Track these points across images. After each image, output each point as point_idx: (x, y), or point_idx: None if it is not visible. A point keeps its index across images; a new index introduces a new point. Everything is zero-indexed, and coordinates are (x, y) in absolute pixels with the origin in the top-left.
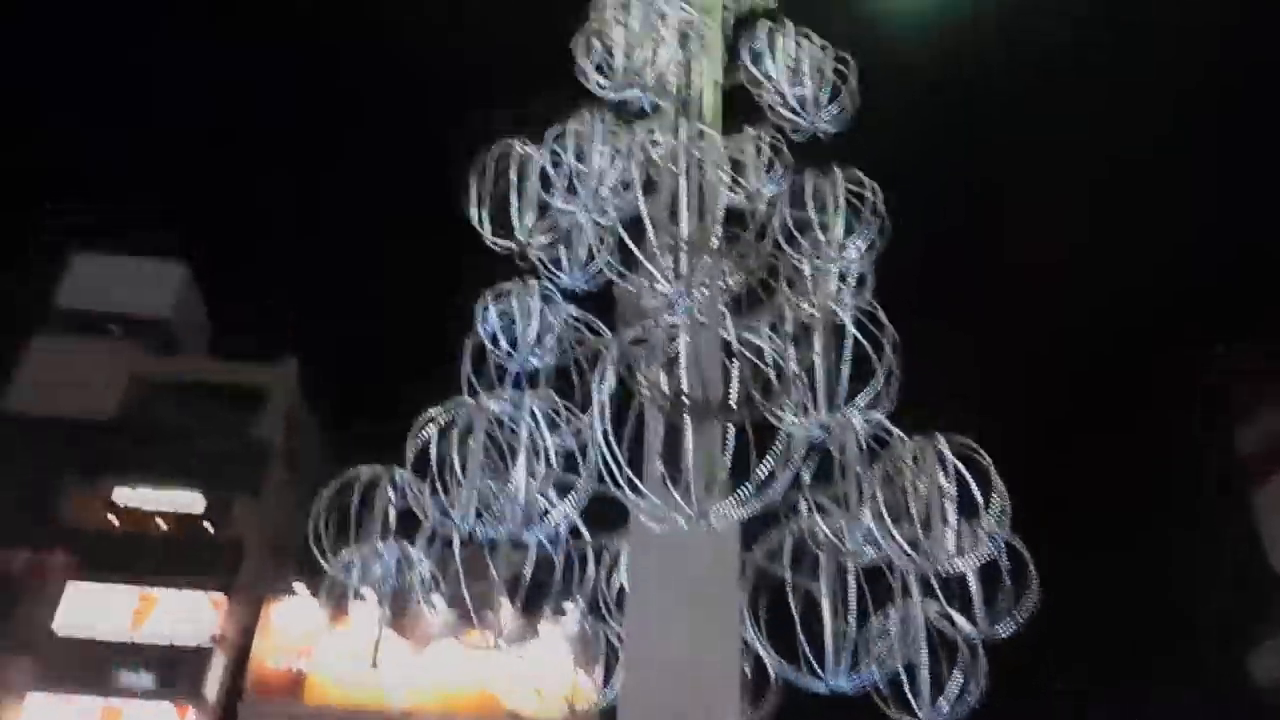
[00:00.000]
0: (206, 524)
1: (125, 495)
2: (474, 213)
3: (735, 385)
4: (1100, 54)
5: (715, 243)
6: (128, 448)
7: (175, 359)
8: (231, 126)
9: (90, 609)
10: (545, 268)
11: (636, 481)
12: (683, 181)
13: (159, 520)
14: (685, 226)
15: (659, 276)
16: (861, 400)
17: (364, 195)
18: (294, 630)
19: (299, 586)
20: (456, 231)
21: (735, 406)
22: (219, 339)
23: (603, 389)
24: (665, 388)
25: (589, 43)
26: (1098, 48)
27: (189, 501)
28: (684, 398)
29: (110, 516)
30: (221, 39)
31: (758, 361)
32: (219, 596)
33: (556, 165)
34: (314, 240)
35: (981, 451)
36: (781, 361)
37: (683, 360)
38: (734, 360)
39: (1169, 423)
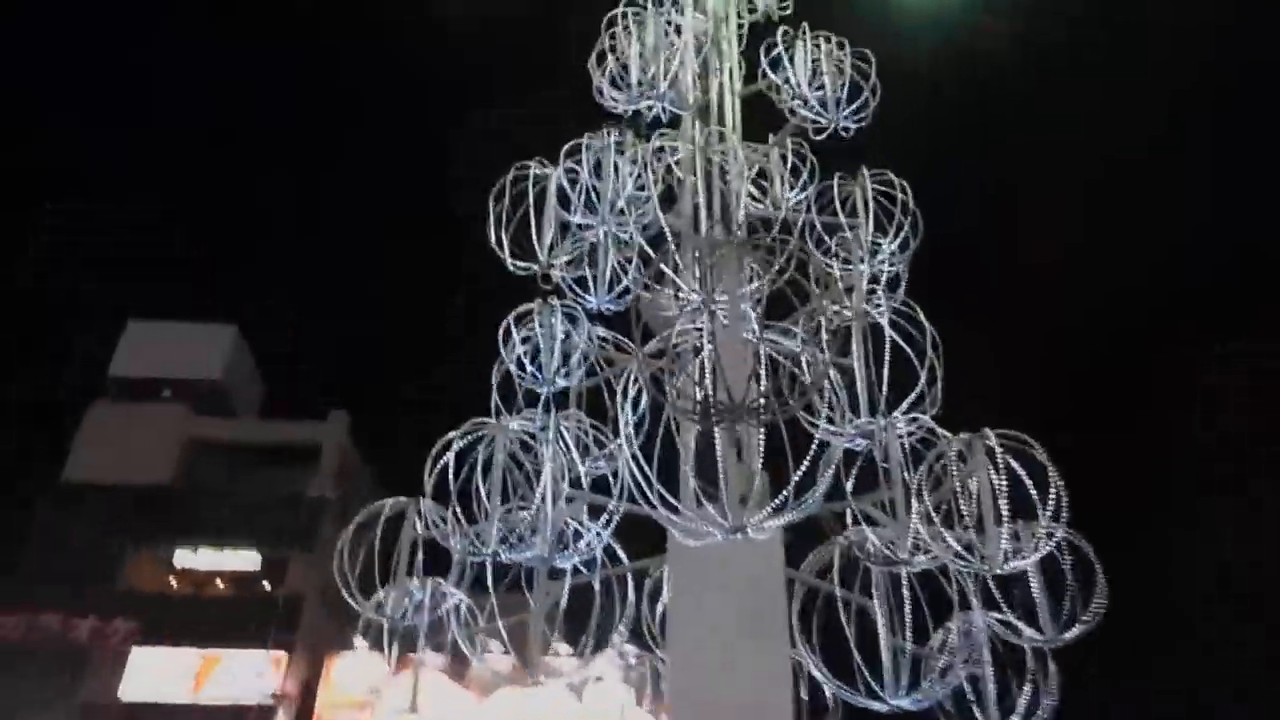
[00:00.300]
0: (264, 583)
1: (184, 558)
2: (494, 238)
3: (762, 384)
4: (1098, 53)
5: (738, 241)
6: (185, 511)
7: (229, 421)
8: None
9: (154, 674)
10: (571, 291)
11: (668, 496)
12: (701, 184)
13: (218, 581)
14: (705, 227)
15: (681, 283)
16: (905, 404)
17: (407, 250)
18: (355, 684)
19: (359, 640)
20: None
21: (763, 406)
22: (272, 396)
23: (627, 402)
24: (691, 394)
25: (601, 55)
26: (1096, 47)
27: (246, 561)
28: (710, 400)
29: (170, 580)
30: (223, 40)
31: (790, 365)
32: (279, 654)
33: (574, 183)
34: (361, 290)
35: (1035, 444)
36: (815, 365)
37: (707, 363)
38: (760, 360)
39: (1170, 421)
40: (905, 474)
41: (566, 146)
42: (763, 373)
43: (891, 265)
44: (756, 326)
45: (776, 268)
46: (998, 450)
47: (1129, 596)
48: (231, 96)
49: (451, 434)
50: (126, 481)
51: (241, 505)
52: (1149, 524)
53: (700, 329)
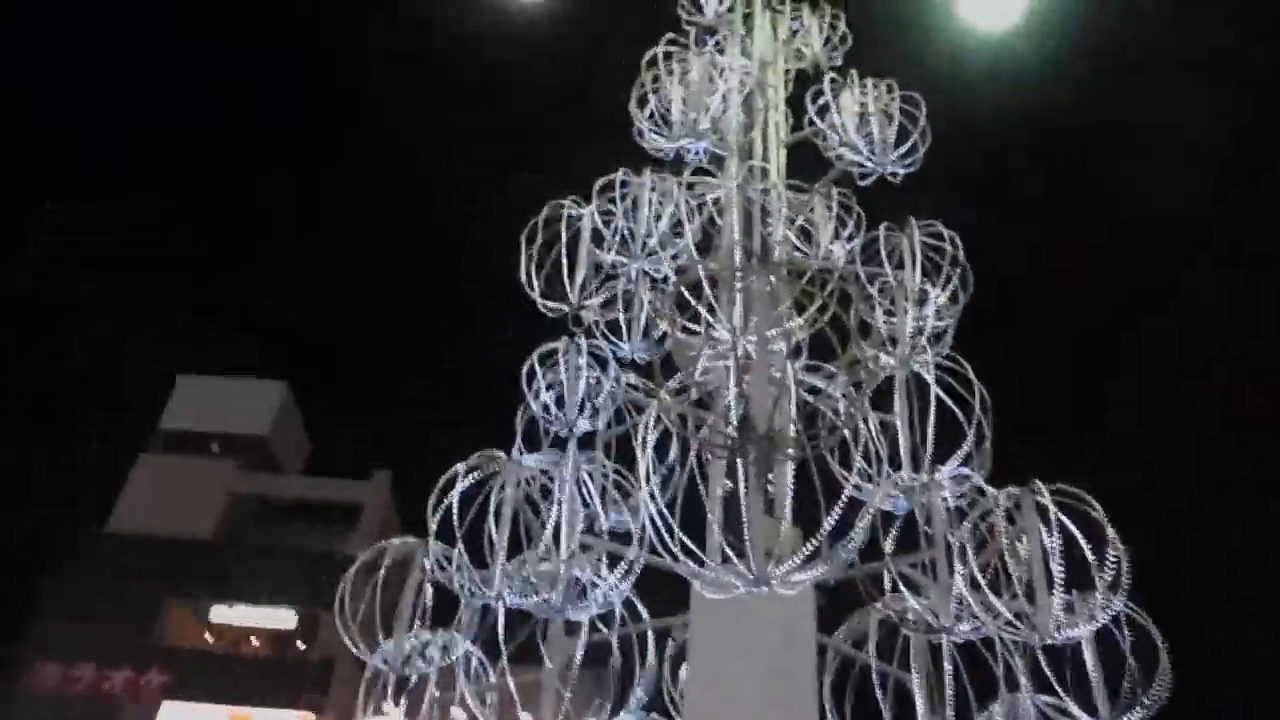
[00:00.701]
0: (298, 641)
1: (221, 613)
2: (525, 277)
3: (790, 413)
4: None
5: (772, 269)
6: (224, 566)
7: (272, 477)
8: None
9: None
10: (605, 337)
11: (689, 544)
12: (740, 225)
13: (252, 638)
14: (742, 263)
15: (713, 321)
16: (951, 463)
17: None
18: None
19: (388, 706)
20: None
21: (791, 438)
22: (318, 453)
23: (649, 443)
24: (718, 427)
25: (643, 96)
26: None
27: (281, 619)
28: (733, 432)
29: (206, 635)
30: (223, 39)
31: (824, 408)
32: (310, 715)
33: (608, 222)
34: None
35: (1092, 501)
36: (850, 406)
37: (733, 394)
38: (788, 391)
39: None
40: (948, 534)
41: (599, 183)
42: (792, 405)
43: (939, 319)
44: (789, 363)
45: (816, 305)
46: (1051, 507)
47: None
48: (231, 96)
49: (458, 466)
50: (169, 534)
51: (279, 562)
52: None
53: (729, 366)
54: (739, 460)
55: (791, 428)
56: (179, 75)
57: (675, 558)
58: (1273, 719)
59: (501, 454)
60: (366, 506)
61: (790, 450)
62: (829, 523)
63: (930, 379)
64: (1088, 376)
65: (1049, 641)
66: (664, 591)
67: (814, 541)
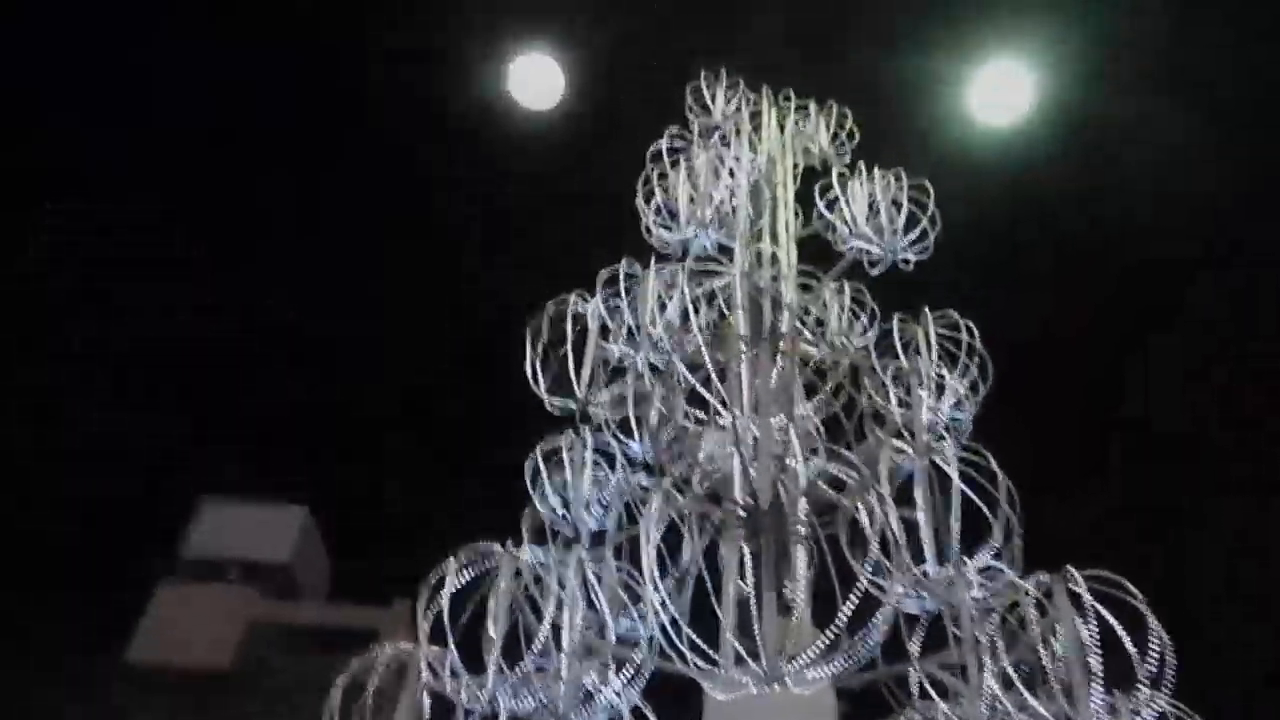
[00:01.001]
0: None
1: None
2: (531, 375)
3: (800, 488)
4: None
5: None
6: (242, 698)
7: (292, 605)
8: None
9: None
10: (616, 436)
11: (700, 643)
12: (749, 316)
13: None
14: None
15: (721, 409)
16: (980, 557)
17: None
18: None
19: None
20: None
21: (803, 515)
22: (339, 579)
23: (653, 534)
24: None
25: (649, 190)
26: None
27: None
28: (732, 508)
29: None
30: (223, 39)
31: (836, 495)
32: None
33: (614, 314)
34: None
35: (1131, 587)
36: (866, 496)
37: (737, 473)
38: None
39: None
40: (976, 631)
41: (603, 275)
42: (801, 479)
43: (959, 410)
44: (793, 435)
45: (830, 387)
46: (1085, 596)
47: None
48: (231, 96)
49: (448, 561)
50: (188, 665)
51: (298, 690)
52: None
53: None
54: (751, 543)
55: (802, 503)
56: (179, 75)
57: (684, 659)
58: (1273, 719)
59: (497, 546)
60: (384, 633)
61: (801, 528)
62: (845, 611)
63: (953, 472)
64: (1095, 430)
65: None
66: (674, 695)
67: (830, 634)
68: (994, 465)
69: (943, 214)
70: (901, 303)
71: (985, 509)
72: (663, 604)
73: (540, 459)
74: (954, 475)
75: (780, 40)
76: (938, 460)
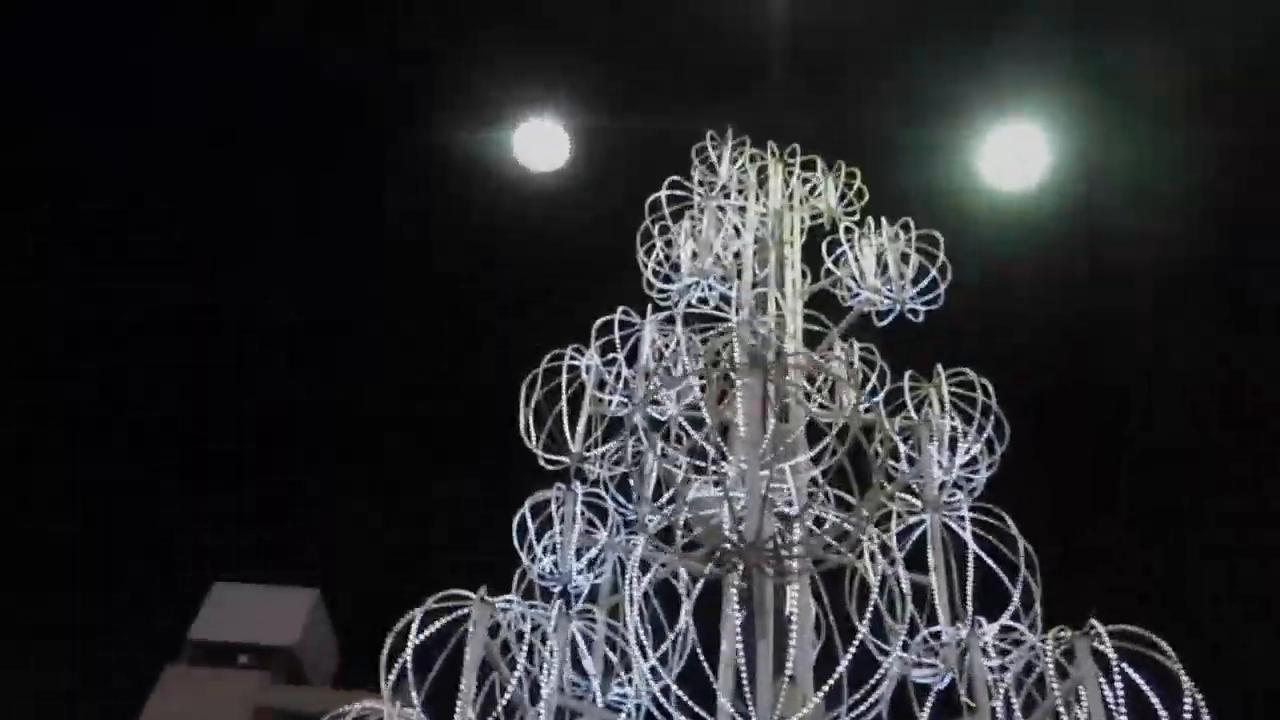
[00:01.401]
0: None
1: None
2: (524, 430)
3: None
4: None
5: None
6: None
7: (298, 690)
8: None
9: None
10: (614, 500)
11: (688, 701)
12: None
13: None
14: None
15: (720, 461)
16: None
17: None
18: None
19: None
20: None
21: (797, 551)
22: (347, 662)
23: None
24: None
25: (650, 245)
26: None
27: None
28: (717, 544)
29: None
30: (223, 39)
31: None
32: None
33: (610, 367)
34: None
35: (1163, 644)
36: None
37: (726, 511)
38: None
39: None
40: (993, 694)
41: (598, 324)
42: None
43: (973, 472)
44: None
45: (833, 434)
46: (1111, 655)
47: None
48: (231, 97)
49: (415, 611)
50: None
51: None
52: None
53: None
54: (742, 587)
55: (797, 532)
56: (179, 75)
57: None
58: (1273, 719)
59: (470, 594)
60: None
61: (797, 564)
62: (843, 666)
63: (967, 534)
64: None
65: None
66: None
67: (825, 696)
68: (1012, 528)
69: (955, 271)
70: (914, 363)
71: (1000, 572)
72: (653, 670)
73: (529, 514)
74: (967, 535)
75: (787, 103)
76: (951, 524)
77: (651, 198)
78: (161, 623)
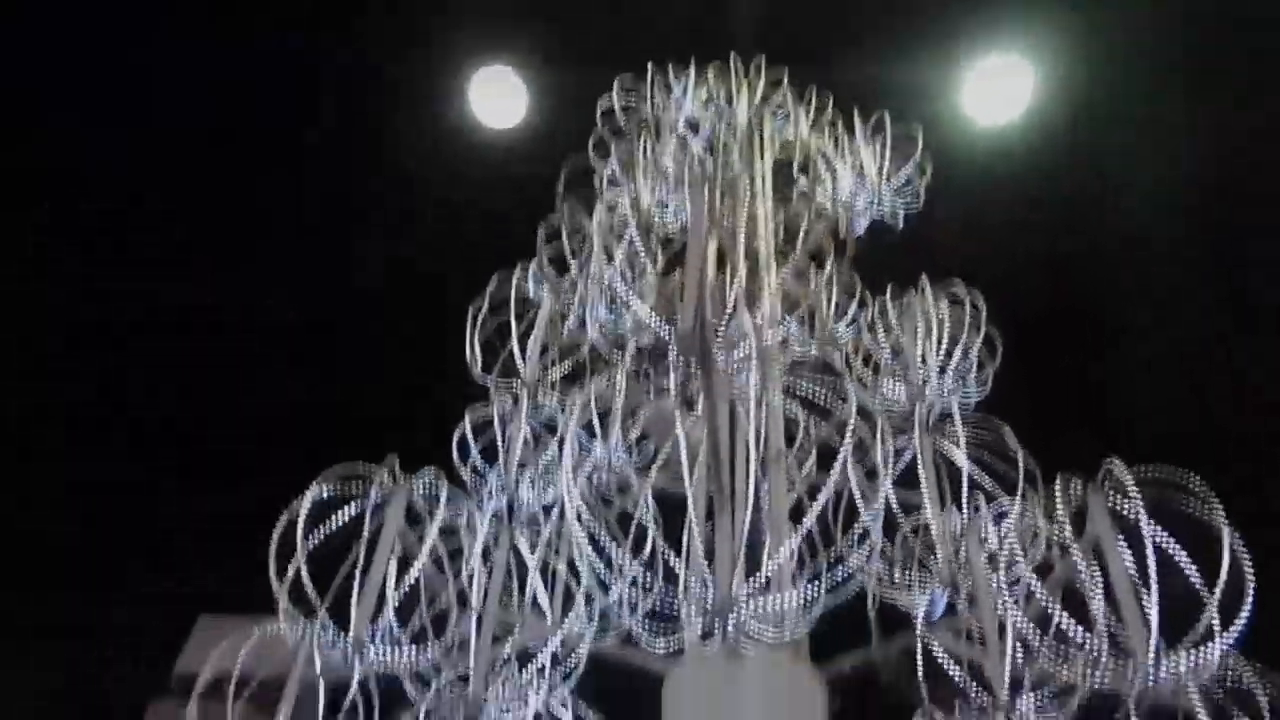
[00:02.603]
0: None
1: None
2: (470, 355)
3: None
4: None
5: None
6: None
7: None
8: None
9: None
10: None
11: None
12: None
13: None
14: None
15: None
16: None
17: None
18: None
19: None
20: None
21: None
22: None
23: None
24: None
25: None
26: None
27: None
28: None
29: None
30: (223, 39)
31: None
32: None
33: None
34: None
35: (1198, 484)
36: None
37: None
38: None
39: None
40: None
41: (544, 230)
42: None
43: (965, 390)
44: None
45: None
46: (1137, 503)
47: None
48: (231, 97)
49: (310, 488)
50: None
51: None
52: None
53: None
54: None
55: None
56: (179, 75)
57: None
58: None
59: (379, 467)
60: None
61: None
62: (812, 516)
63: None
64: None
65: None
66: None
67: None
68: (1010, 439)
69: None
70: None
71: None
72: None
73: (469, 429)
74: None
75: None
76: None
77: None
78: (143, 658)
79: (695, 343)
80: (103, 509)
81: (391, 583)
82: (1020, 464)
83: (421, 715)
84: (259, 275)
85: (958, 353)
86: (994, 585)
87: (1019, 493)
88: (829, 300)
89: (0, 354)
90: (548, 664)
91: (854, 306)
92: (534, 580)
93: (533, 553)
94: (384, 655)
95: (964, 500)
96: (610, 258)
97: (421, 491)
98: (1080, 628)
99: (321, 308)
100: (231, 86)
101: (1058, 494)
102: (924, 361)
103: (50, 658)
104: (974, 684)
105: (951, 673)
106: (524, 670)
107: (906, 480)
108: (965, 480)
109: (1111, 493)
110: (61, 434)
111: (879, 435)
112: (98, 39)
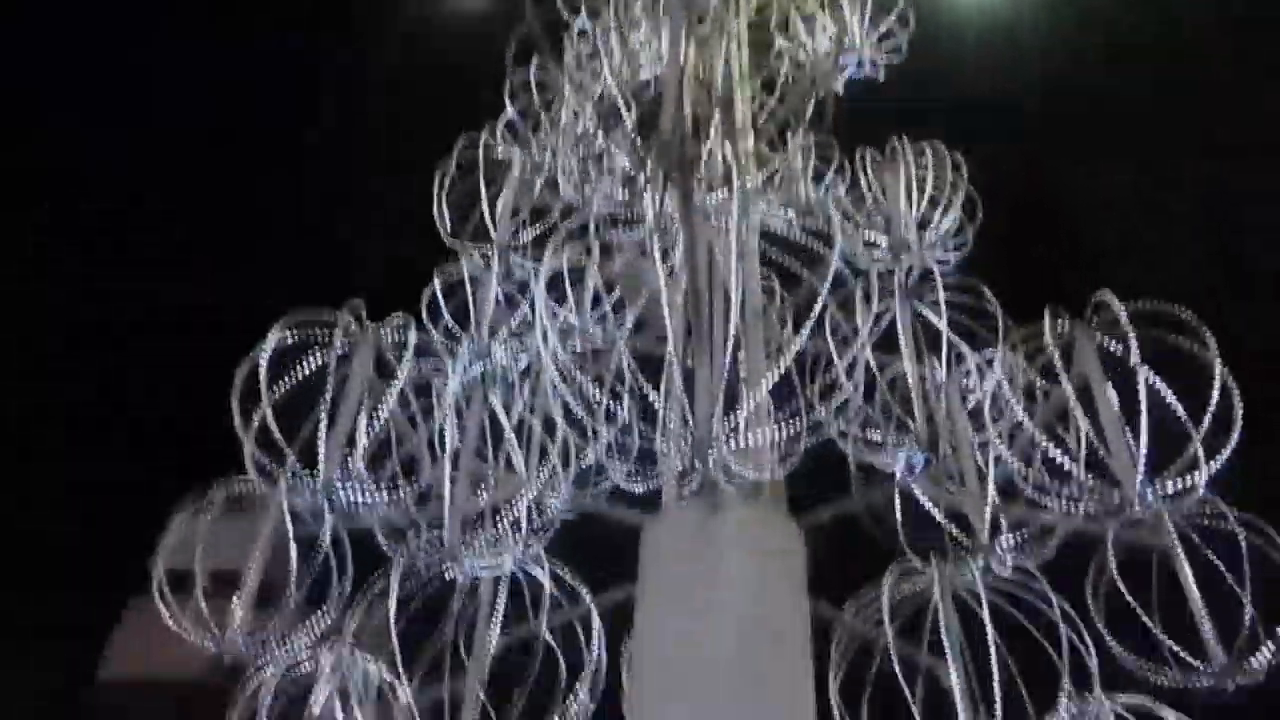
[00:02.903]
0: None
1: None
2: (438, 215)
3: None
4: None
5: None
6: (219, 710)
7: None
8: None
9: None
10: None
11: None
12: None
13: None
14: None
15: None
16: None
17: None
18: None
19: None
20: None
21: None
22: None
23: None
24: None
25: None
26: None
27: None
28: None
29: None
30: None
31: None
32: None
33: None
34: None
35: (1189, 316)
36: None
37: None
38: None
39: None
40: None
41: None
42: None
43: (945, 249)
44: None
45: None
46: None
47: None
48: (231, 96)
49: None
50: (160, 679)
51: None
52: None
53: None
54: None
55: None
56: (179, 75)
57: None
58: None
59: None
60: None
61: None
62: (790, 354)
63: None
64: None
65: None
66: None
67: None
68: (992, 302)
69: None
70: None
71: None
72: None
73: (439, 289)
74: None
75: None
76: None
77: None
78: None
79: (675, 153)
80: (103, 509)
81: (362, 427)
82: (999, 318)
83: (398, 568)
84: (259, 275)
85: (938, 214)
86: (976, 429)
87: (1000, 337)
88: (806, 158)
89: (0, 354)
90: (523, 518)
91: (834, 166)
92: (509, 437)
93: (507, 411)
94: (354, 497)
95: (944, 356)
96: (588, 98)
97: (391, 339)
98: (1066, 457)
99: (321, 308)
100: (231, 86)
101: (1045, 327)
102: (905, 222)
103: (50, 658)
104: (954, 526)
105: (934, 515)
106: (498, 524)
107: (886, 346)
108: (945, 335)
109: (1099, 333)
110: (61, 434)
111: (862, 291)
112: (98, 39)
